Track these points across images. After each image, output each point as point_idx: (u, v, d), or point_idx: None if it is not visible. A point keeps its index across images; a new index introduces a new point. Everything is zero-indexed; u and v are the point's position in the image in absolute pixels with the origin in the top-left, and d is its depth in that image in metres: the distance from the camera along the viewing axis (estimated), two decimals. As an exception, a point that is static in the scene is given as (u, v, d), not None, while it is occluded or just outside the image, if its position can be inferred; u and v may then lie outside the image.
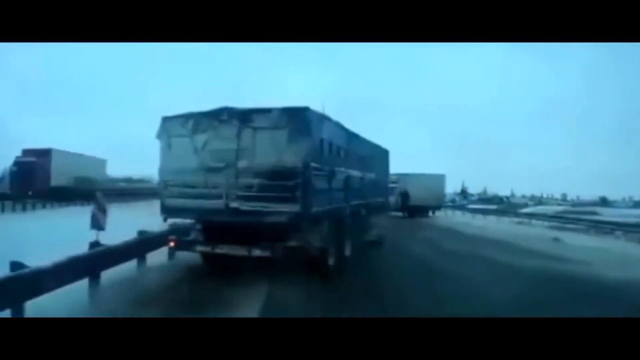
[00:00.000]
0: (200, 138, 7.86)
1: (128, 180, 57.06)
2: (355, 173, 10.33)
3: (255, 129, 7.60)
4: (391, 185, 27.65)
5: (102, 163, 38.81)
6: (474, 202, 53.94)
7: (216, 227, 7.96)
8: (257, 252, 7.62)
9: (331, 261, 8.46)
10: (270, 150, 7.49)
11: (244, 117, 7.65)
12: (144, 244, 8.85)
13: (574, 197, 69.18)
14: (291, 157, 7.37)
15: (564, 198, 69.93)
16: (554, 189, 77.10)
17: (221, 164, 7.69)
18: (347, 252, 9.75)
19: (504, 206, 48.08)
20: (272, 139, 7.49)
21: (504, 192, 72.82)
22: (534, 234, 19.47)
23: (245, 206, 7.55)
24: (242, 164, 7.61)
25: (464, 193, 71.65)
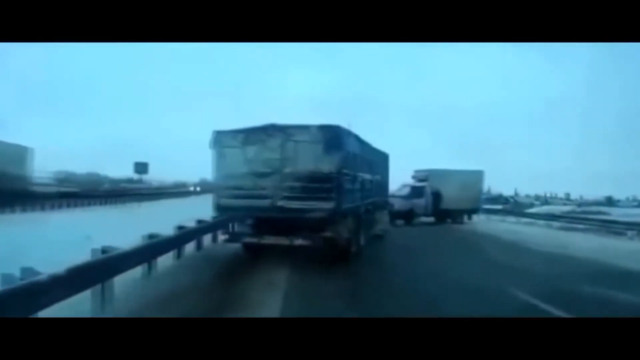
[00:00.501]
0: (251, 149, 9.60)
1: (129, 181, 58.58)
2: (367, 176, 12.16)
3: (296, 142, 9.35)
4: (418, 184, 23.37)
5: (22, 152, 27.89)
6: None
7: (263, 222, 9.71)
8: (298, 242, 9.41)
9: (353, 249, 10.30)
10: (309, 159, 9.25)
11: (287, 132, 9.41)
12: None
13: (577, 197, 68.49)
14: (326, 165, 9.15)
15: (567, 197, 69.30)
16: (555, 189, 76.34)
17: (269, 170, 9.45)
18: (362, 241, 11.59)
19: (509, 206, 46.95)
20: (310, 150, 9.25)
21: (506, 191, 69.99)
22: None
23: (289, 205, 9.31)
24: (286, 170, 9.37)
25: None
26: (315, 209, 9.16)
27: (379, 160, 14.79)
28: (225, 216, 10.37)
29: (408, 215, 21.92)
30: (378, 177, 14.25)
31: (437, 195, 22.86)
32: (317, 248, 9.43)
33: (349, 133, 9.91)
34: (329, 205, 9.16)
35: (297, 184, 9.30)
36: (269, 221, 9.64)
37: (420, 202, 22.58)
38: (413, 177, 25.22)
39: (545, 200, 63.34)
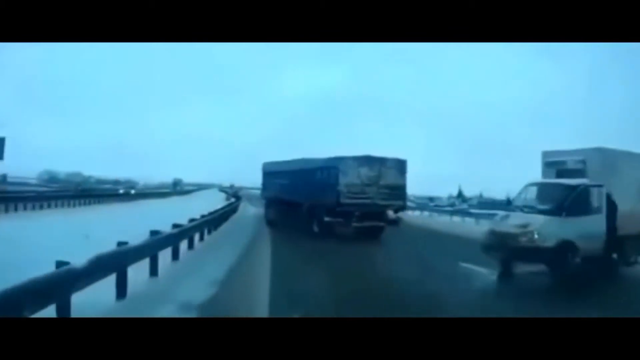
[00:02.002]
0: (363, 170, 16.21)
1: (115, 182, 55.54)
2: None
3: (386, 167, 16.64)
4: (568, 182, 10.17)
5: None
6: (474, 207, 48.28)
7: (366, 213, 16.43)
8: (381, 224, 16.74)
9: (397, 223, 18.25)
10: (391, 177, 16.73)
11: (381, 161, 16.57)
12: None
13: None
14: (399, 181, 16.92)
15: None
16: None
17: (371, 183, 16.33)
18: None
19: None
20: (392, 172, 16.77)
21: (498, 196, 62.11)
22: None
23: (382, 202, 16.51)
24: (381, 183, 16.51)
25: (462, 196, 66.39)
26: (393, 204, 16.85)
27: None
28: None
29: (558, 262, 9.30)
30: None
31: (611, 204, 10.27)
32: (389, 225, 17.05)
33: (405, 162, 17.58)
34: (400, 202, 17.05)
35: (385, 191, 16.61)
36: (370, 212, 16.45)
37: (588, 223, 9.68)
38: (549, 163, 11.56)
39: None
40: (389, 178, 16.71)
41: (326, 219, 16.52)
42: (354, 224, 16.54)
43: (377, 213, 16.57)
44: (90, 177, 64.46)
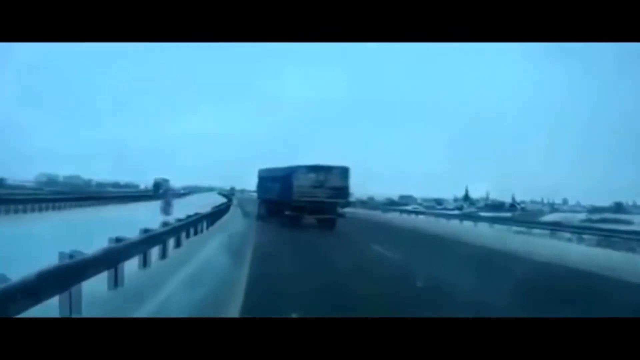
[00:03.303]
0: (311, 175, 21.59)
1: (115, 185, 54.62)
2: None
3: (331, 173, 21.93)
4: None
5: None
6: (481, 209, 49.62)
7: (313, 207, 21.73)
8: (327, 217, 22.00)
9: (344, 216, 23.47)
10: (336, 181, 22.01)
11: (327, 168, 21.87)
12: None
13: (574, 203, 64.88)
14: (343, 183, 22.19)
15: (564, 203, 65.71)
16: (548, 194, 71.40)
17: (318, 185, 21.66)
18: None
19: (518, 214, 44.33)
20: (336, 177, 22.04)
21: (504, 197, 67.19)
22: None
23: (327, 200, 21.78)
24: (326, 185, 21.80)
25: (469, 199, 67.53)
26: (337, 202, 22.08)
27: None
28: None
29: None
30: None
31: None
32: (334, 219, 22.26)
33: (348, 169, 22.90)
34: (342, 199, 22.35)
35: (330, 191, 21.88)
36: (316, 207, 21.75)
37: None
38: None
39: (553, 208, 58.77)
40: (334, 182, 21.99)
41: (287, 212, 22.05)
42: (307, 216, 21.91)
43: (325, 208, 21.87)
44: (90, 180, 64.91)
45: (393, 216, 37.53)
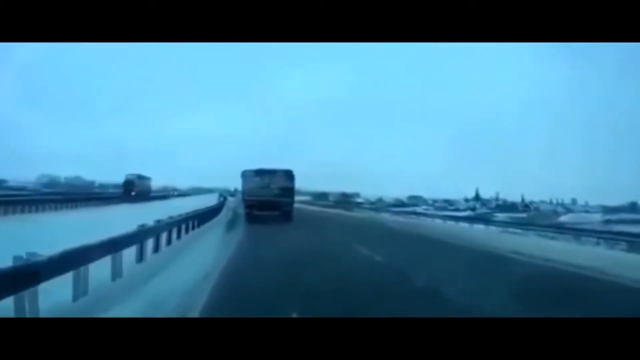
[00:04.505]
0: (257, 178, 25.69)
1: (116, 186, 49.02)
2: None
3: (275, 176, 25.93)
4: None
5: None
6: (494, 210, 48.96)
7: (263, 204, 25.70)
8: (276, 213, 25.91)
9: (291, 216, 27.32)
10: (280, 182, 25.96)
11: (271, 171, 25.89)
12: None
13: (582, 203, 62.35)
14: (287, 184, 26.11)
15: (573, 203, 63.60)
16: (555, 194, 67.61)
17: (264, 186, 25.69)
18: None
19: (532, 215, 43.08)
20: (281, 179, 26.01)
21: (513, 197, 65.38)
22: None
23: (274, 199, 25.73)
24: (272, 186, 25.78)
25: (480, 199, 66.02)
26: (284, 200, 25.97)
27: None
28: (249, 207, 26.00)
29: None
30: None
31: None
32: (282, 214, 26.10)
33: (292, 172, 26.81)
34: (288, 198, 26.22)
35: (277, 191, 25.80)
36: (266, 204, 25.63)
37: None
38: None
39: (566, 208, 57.08)
40: (279, 183, 25.96)
41: (243, 209, 26.28)
42: (256, 212, 25.97)
43: (271, 206, 25.80)
44: (92, 181, 62.79)
45: (405, 221, 32.67)
